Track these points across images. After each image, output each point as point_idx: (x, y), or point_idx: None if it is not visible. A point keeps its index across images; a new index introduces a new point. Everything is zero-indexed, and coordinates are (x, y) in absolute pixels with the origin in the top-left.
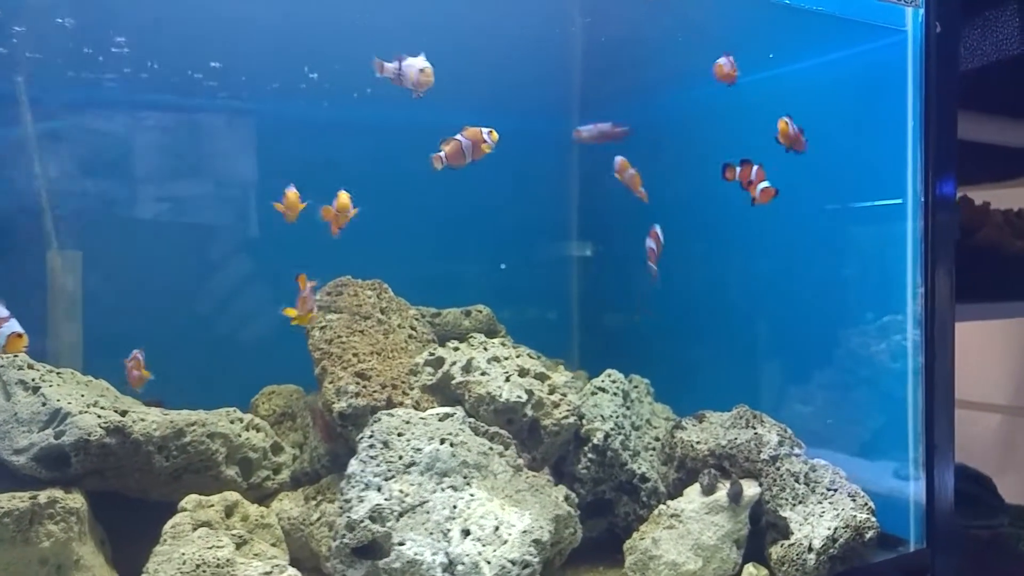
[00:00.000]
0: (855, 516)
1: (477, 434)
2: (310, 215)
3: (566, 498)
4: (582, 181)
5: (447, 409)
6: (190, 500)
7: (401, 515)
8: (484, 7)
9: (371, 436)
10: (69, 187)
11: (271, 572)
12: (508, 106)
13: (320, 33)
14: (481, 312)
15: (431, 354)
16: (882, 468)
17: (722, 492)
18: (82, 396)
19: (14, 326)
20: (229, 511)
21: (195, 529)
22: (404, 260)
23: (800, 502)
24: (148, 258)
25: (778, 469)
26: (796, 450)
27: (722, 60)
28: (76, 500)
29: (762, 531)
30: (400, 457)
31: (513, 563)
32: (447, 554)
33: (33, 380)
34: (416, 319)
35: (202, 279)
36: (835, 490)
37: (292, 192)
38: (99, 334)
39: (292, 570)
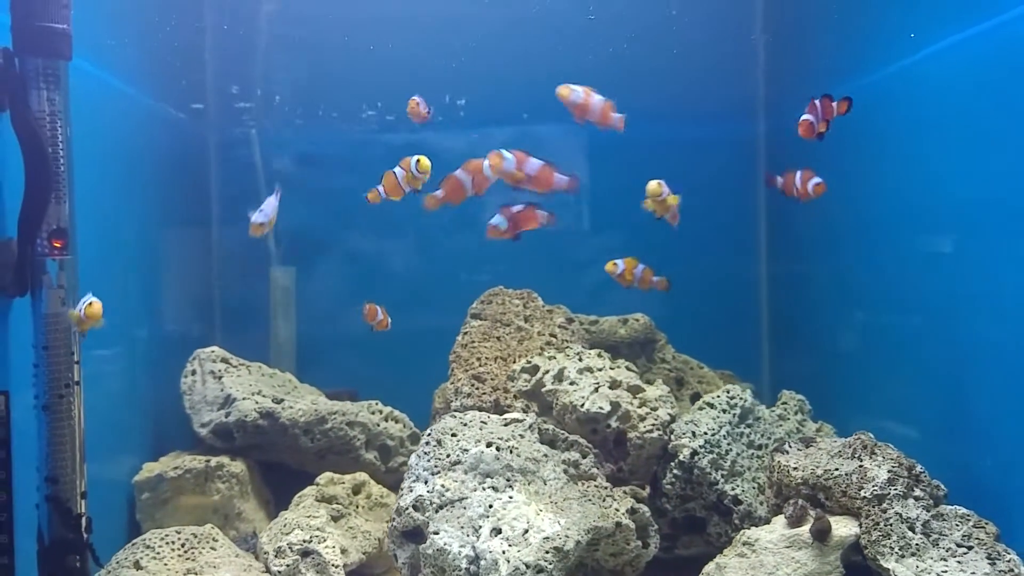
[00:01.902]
0: None
1: (555, 443)
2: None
3: (631, 511)
4: (771, 188)
5: (516, 415)
6: (324, 476)
7: (440, 507)
8: (663, 13)
9: (429, 434)
10: (286, 214)
11: (310, 540)
12: (688, 111)
13: (493, 57)
14: (638, 321)
15: (528, 362)
16: None
17: (808, 526)
18: (250, 386)
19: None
20: (356, 489)
21: (317, 501)
22: (585, 270)
23: (912, 554)
24: (350, 271)
25: (884, 511)
26: (917, 491)
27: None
28: (238, 466)
29: None
30: (448, 455)
31: (527, 566)
32: (474, 548)
33: (219, 371)
34: (561, 327)
35: (407, 288)
36: (969, 547)
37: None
38: (310, 336)
39: (330, 541)
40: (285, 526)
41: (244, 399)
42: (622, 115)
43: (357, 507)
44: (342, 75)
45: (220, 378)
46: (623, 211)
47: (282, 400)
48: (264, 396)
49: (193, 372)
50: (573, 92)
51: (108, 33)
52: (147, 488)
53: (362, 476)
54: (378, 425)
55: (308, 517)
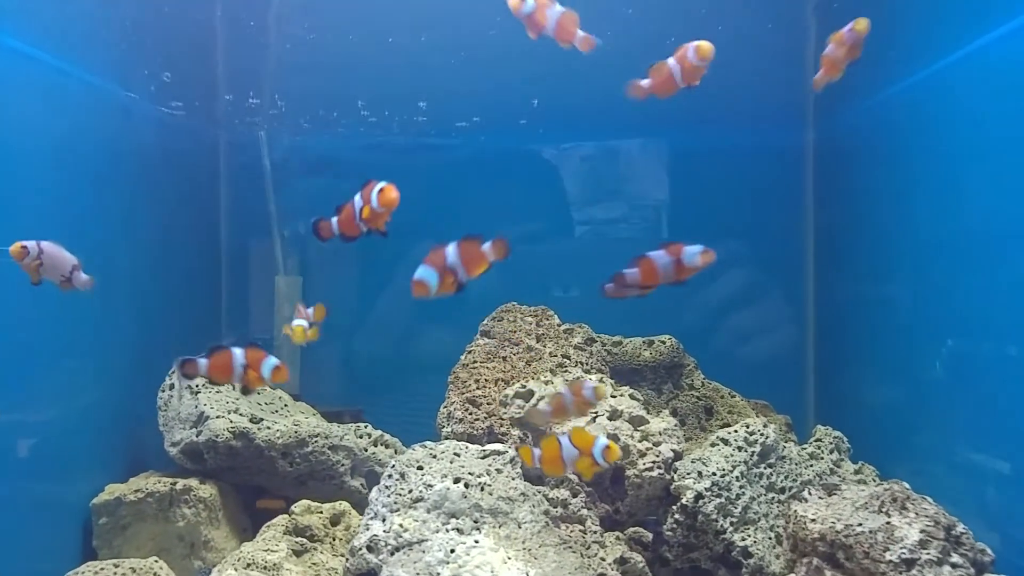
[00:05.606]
0: None
1: (542, 480)
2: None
3: (620, 561)
4: (817, 199)
5: (497, 447)
6: (299, 504)
7: (396, 550)
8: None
9: (393, 466)
10: (295, 220)
11: None
12: (733, 119)
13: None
14: (664, 343)
15: (522, 386)
16: None
17: None
18: (228, 403)
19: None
20: (335, 519)
21: (286, 533)
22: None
23: None
24: (361, 282)
25: None
26: (954, 556)
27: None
28: (207, 491)
29: None
30: (410, 491)
31: None
32: None
33: (196, 386)
34: (578, 348)
35: (403, 304)
36: None
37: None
38: (315, 350)
39: None
40: (240, 560)
41: (217, 417)
42: (589, 36)
43: (334, 539)
44: (353, 78)
45: (197, 394)
46: (666, 220)
47: (260, 420)
48: (241, 415)
49: (171, 386)
50: (524, 3)
51: (120, 44)
52: (105, 512)
53: (342, 505)
54: (365, 450)
55: (266, 551)
